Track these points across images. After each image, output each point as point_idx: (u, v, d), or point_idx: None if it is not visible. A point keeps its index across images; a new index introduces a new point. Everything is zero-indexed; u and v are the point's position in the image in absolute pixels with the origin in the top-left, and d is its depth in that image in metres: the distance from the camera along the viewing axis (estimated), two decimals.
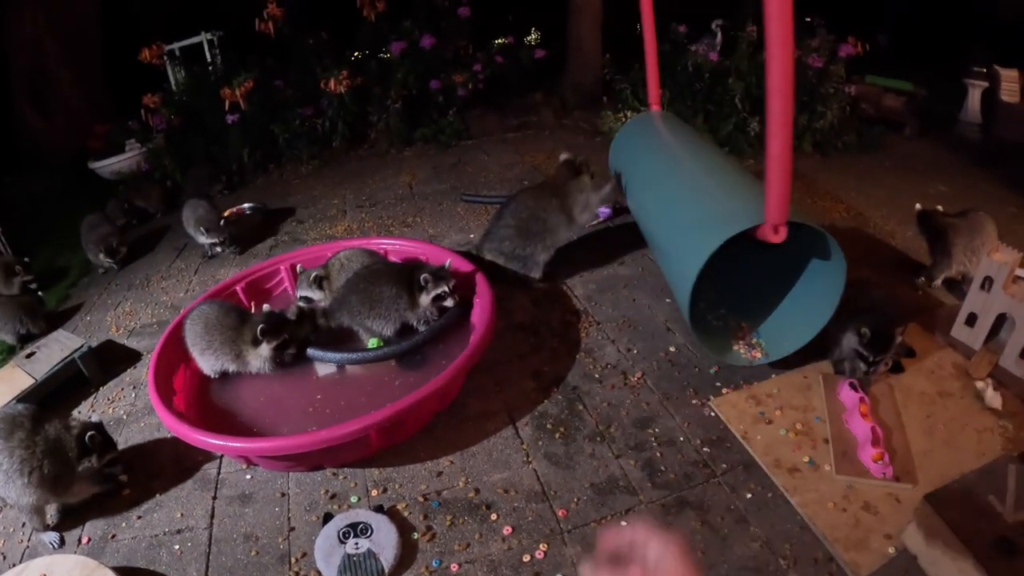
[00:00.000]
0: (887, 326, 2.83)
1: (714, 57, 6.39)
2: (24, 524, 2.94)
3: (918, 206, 3.74)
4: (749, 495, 2.52)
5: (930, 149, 6.11)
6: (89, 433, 2.81)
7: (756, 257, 3.28)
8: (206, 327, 3.44)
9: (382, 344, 3.55)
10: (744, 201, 3.10)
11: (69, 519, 2.92)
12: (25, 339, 4.49)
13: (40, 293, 5.06)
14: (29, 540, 2.89)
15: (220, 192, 6.84)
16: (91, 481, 2.92)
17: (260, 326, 3.33)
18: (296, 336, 3.49)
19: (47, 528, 2.89)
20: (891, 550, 2.24)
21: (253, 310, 3.90)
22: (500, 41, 8.28)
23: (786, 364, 3.15)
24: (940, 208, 3.73)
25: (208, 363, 3.48)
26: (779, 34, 2.35)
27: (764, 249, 2.90)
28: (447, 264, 3.53)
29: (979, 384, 2.89)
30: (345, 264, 3.86)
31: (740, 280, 3.60)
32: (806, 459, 2.62)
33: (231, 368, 3.46)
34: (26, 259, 5.14)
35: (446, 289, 3.44)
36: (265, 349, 3.37)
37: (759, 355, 3.22)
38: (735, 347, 3.30)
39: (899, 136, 6.39)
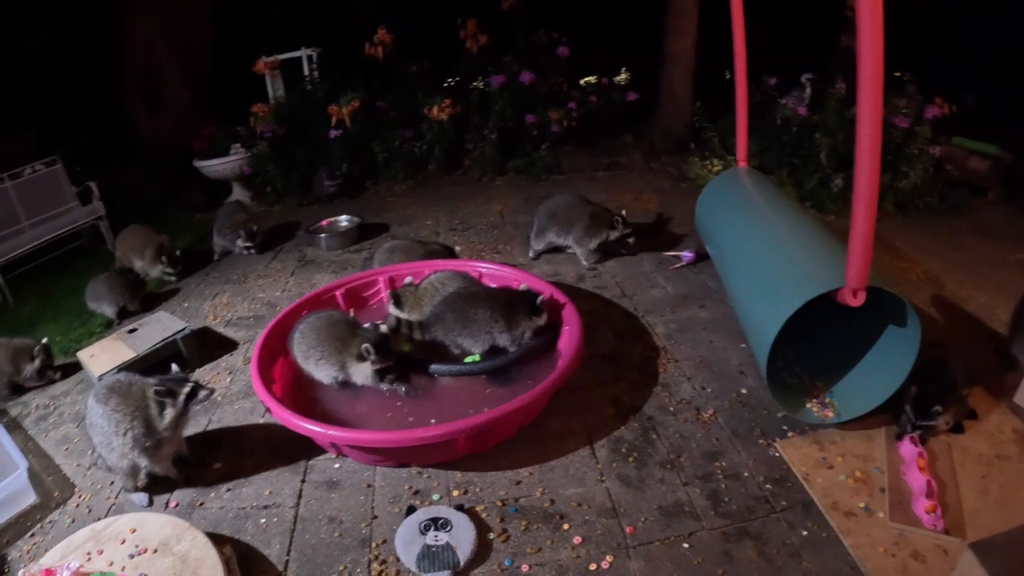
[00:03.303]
0: (934, 395, 2.94)
1: (803, 111, 6.39)
2: (112, 483, 3.19)
3: None
4: (805, 532, 2.64)
5: (1013, 215, 5.98)
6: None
7: (834, 317, 3.33)
8: (318, 339, 3.62)
9: (479, 360, 3.79)
10: (825, 263, 3.20)
11: (159, 485, 3.15)
12: (121, 315, 4.87)
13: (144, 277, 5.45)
14: (116, 498, 3.14)
15: (335, 187, 7.27)
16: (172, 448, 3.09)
17: (366, 346, 3.48)
18: (400, 363, 3.65)
19: (137, 489, 3.10)
20: None
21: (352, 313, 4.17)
22: (590, 80, 8.45)
23: None
24: None
25: (323, 373, 3.65)
26: (870, 100, 2.46)
27: (843, 310, 2.98)
28: (540, 298, 3.78)
29: None
30: (439, 288, 4.09)
31: (817, 339, 3.64)
32: (862, 505, 2.73)
33: (339, 377, 3.62)
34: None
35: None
36: (368, 368, 3.53)
37: (831, 414, 3.25)
38: (808, 405, 3.34)
39: (982, 200, 6.26)
